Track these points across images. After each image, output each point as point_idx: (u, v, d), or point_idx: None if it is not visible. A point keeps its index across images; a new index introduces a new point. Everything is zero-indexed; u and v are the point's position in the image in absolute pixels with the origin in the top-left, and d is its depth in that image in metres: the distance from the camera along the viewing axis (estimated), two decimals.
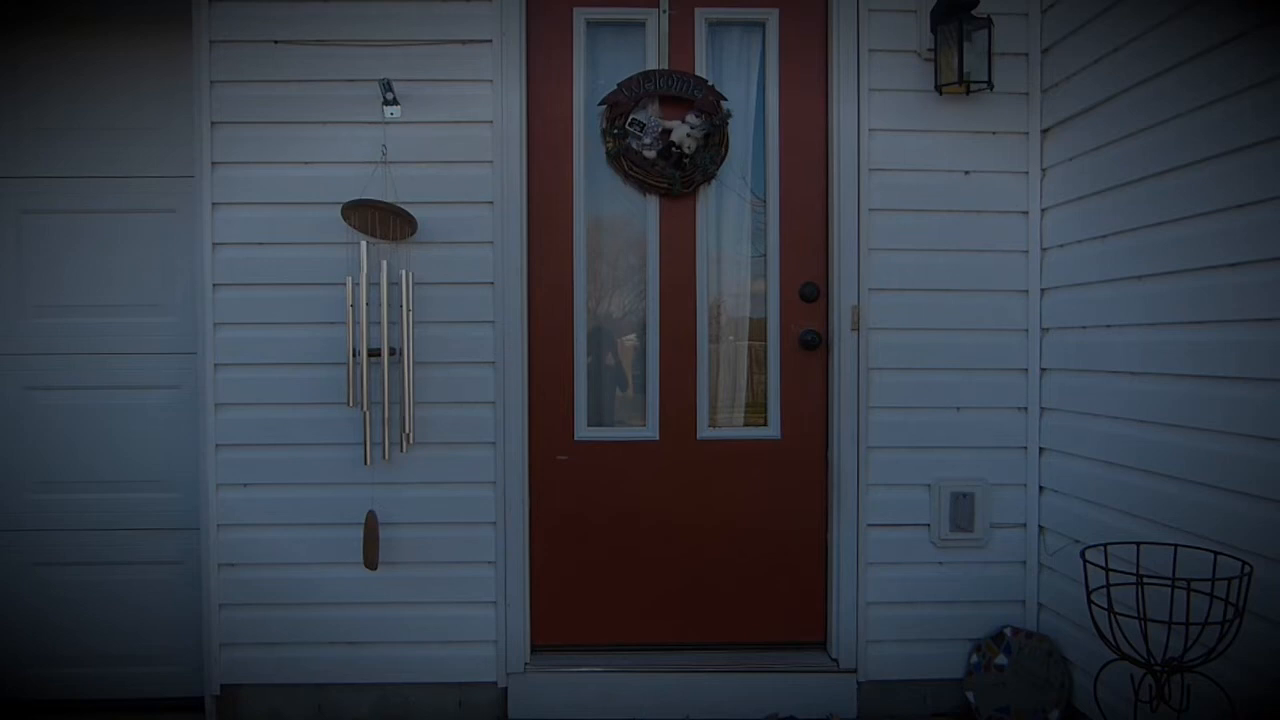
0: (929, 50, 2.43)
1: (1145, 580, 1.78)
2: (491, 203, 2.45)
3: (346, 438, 2.44)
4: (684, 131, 2.47)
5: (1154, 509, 2.03)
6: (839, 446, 2.50)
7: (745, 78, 2.58)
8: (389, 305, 2.35)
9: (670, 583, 2.58)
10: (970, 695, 2.44)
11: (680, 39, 2.54)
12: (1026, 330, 2.49)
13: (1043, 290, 2.48)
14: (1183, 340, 1.96)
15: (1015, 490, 2.51)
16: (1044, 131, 2.47)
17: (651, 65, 2.53)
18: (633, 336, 2.62)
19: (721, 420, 2.62)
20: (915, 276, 2.48)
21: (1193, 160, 1.91)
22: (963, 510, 2.48)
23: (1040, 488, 2.50)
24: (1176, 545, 1.90)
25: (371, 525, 2.40)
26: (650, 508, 2.57)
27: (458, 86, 2.44)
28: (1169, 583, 1.76)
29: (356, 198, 2.35)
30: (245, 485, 2.45)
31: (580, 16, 2.53)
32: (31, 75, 2.56)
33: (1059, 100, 2.40)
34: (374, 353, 2.35)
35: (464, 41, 2.44)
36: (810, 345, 2.56)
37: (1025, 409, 2.50)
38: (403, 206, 2.35)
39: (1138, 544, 1.97)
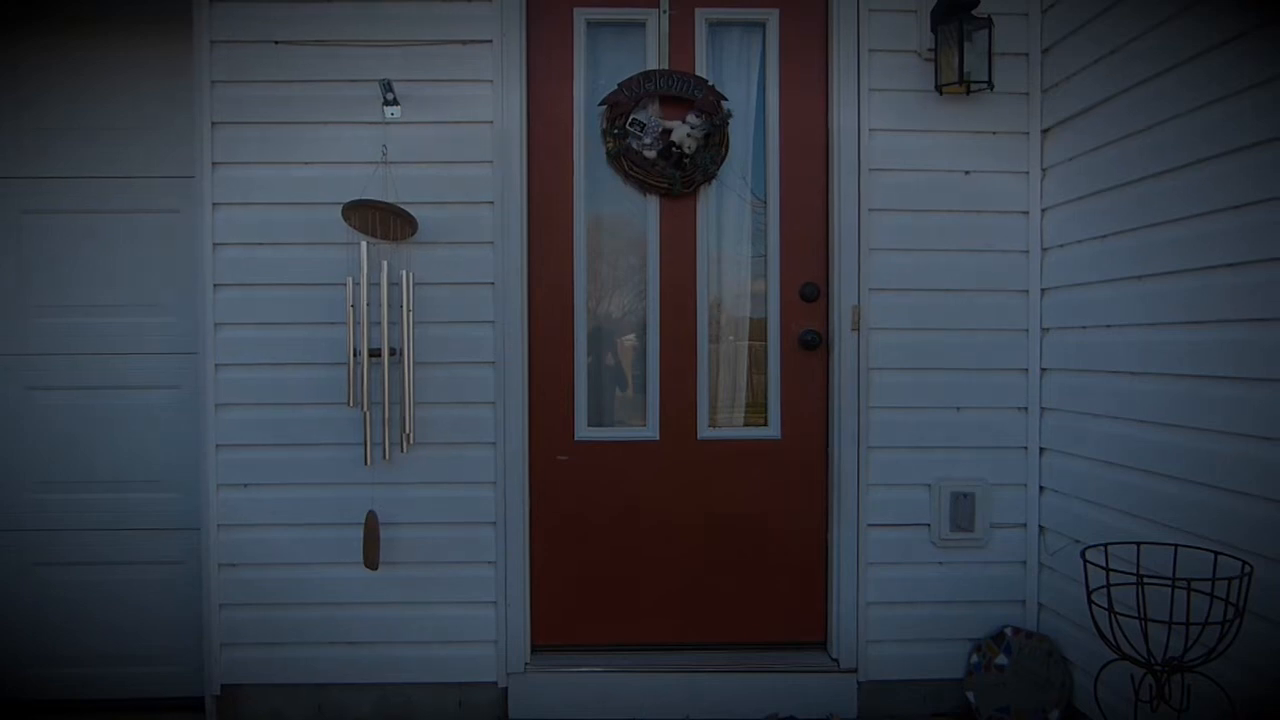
0: (929, 50, 2.43)
1: (1145, 580, 1.78)
2: (492, 203, 2.45)
3: (347, 438, 2.44)
4: (684, 131, 2.47)
5: (1154, 509, 2.04)
6: (839, 446, 2.50)
7: (745, 78, 2.58)
8: (389, 305, 2.35)
9: (670, 582, 2.58)
10: (970, 695, 2.44)
11: (680, 39, 2.54)
12: (1027, 330, 2.49)
13: (1043, 290, 2.48)
14: (1181, 340, 1.96)
15: (1016, 490, 2.51)
16: (1044, 131, 2.47)
17: (652, 65, 2.53)
18: (633, 336, 2.62)
19: (722, 420, 2.62)
20: (915, 276, 2.48)
21: (1191, 161, 1.92)
22: (963, 510, 2.48)
23: (1041, 488, 2.50)
24: (1177, 545, 1.90)
25: (372, 525, 2.40)
26: (650, 507, 2.57)
27: (458, 87, 2.45)
28: (1169, 583, 1.76)
29: (357, 198, 2.35)
30: (246, 485, 2.45)
31: (580, 17, 2.53)
32: (31, 75, 2.56)
33: (1059, 100, 2.40)
34: (374, 353, 2.35)
35: (464, 42, 2.45)
36: (810, 345, 2.56)
37: (1026, 409, 2.50)
38: (403, 207, 2.36)
39: (1138, 544, 1.97)
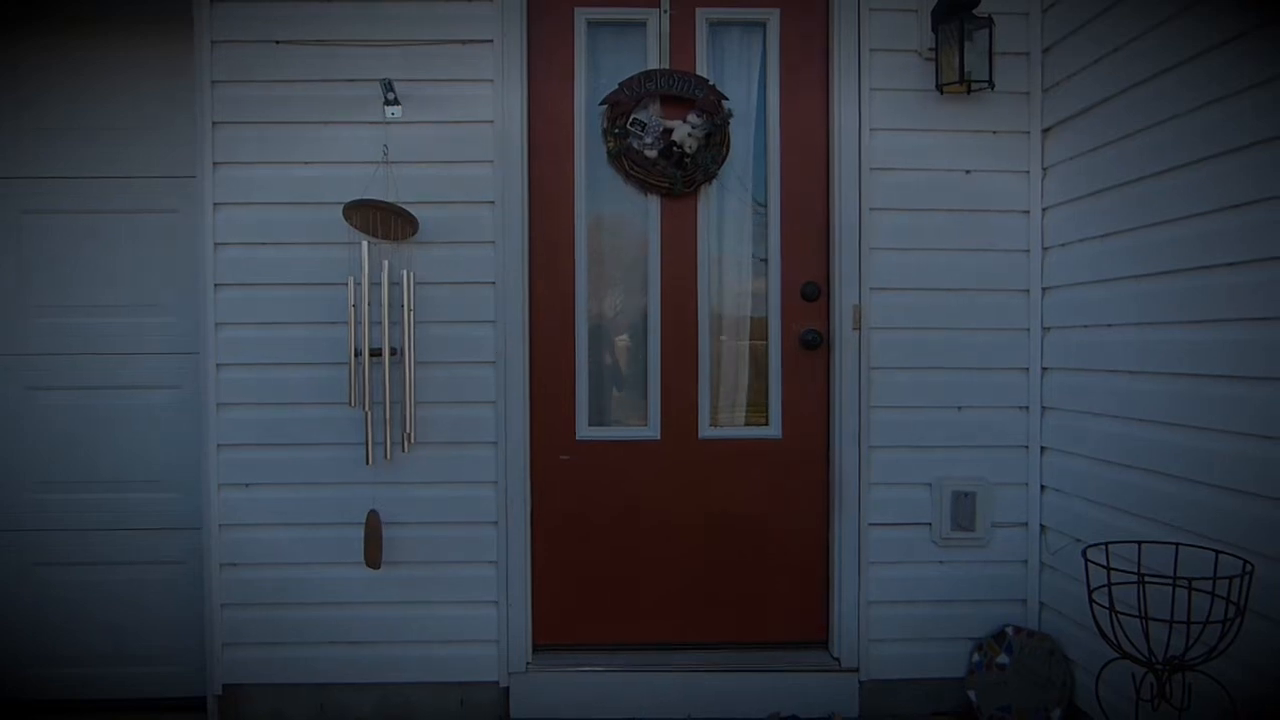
0: (930, 50, 2.44)
1: (1147, 579, 1.78)
2: (493, 202, 2.45)
3: (348, 437, 2.44)
4: (685, 131, 2.47)
5: (1154, 508, 2.04)
6: (840, 446, 2.50)
7: (746, 77, 2.58)
8: (390, 305, 2.35)
9: (671, 582, 2.58)
10: (972, 694, 2.44)
11: (681, 39, 2.54)
12: (1028, 329, 2.49)
13: (1044, 289, 2.48)
14: (1181, 339, 1.96)
15: (1017, 489, 2.51)
16: (1045, 131, 2.47)
17: (652, 65, 2.53)
18: (634, 335, 2.62)
19: (723, 419, 2.62)
20: (916, 276, 2.49)
21: (1191, 160, 1.92)
22: (964, 509, 2.48)
23: (1042, 487, 2.50)
24: (1178, 544, 1.91)
25: (374, 524, 2.40)
26: (651, 507, 2.57)
27: (459, 86, 2.45)
28: (1170, 582, 1.76)
29: (358, 198, 2.35)
30: (247, 485, 2.45)
31: (581, 16, 2.53)
32: (31, 75, 2.56)
33: (1060, 100, 2.40)
34: (375, 352, 2.35)
35: (465, 41, 2.45)
36: (811, 344, 2.56)
37: (1027, 408, 2.50)
38: (404, 206, 2.36)
39: (1139, 543, 1.97)
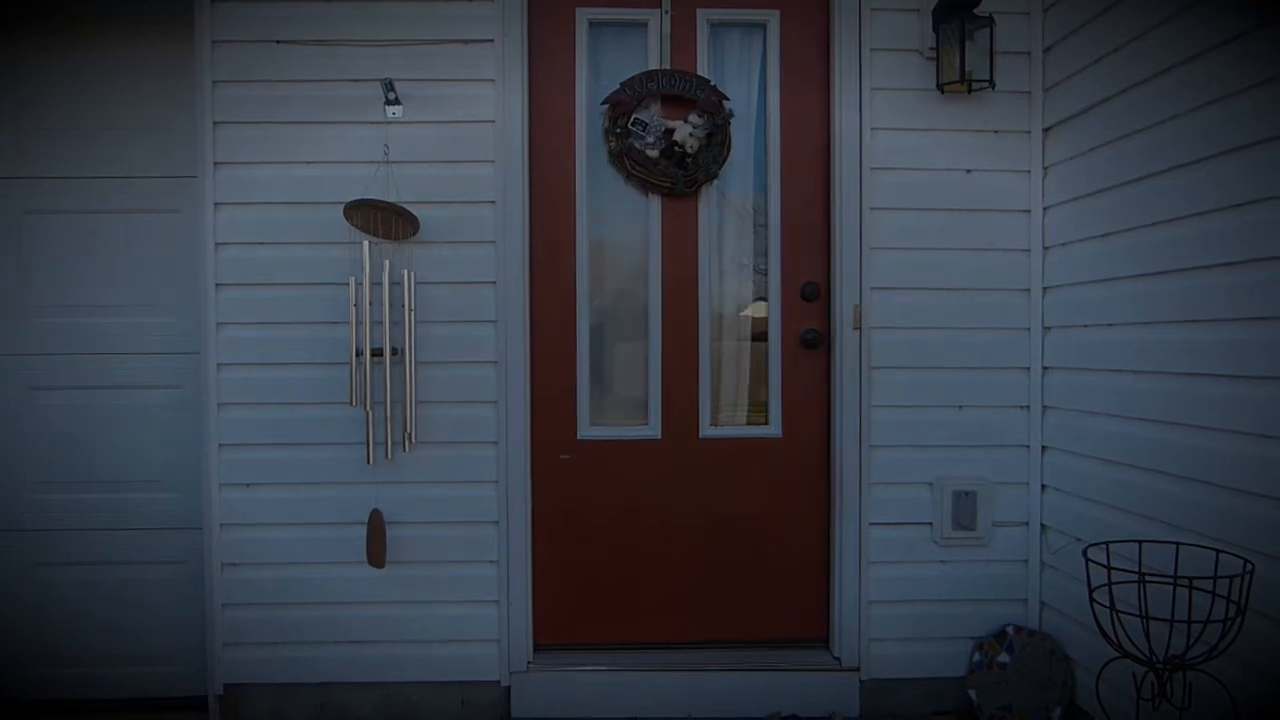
0: (931, 49, 2.44)
1: (1147, 578, 1.79)
2: (494, 202, 2.45)
3: (349, 437, 2.44)
4: (687, 131, 2.47)
5: (1155, 507, 2.04)
6: (841, 445, 2.50)
7: (747, 78, 2.58)
8: (391, 305, 2.35)
9: (672, 581, 2.58)
10: (973, 693, 2.44)
11: (682, 39, 2.54)
12: (1028, 329, 2.49)
13: (1044, 289, 2.48)
14: (1180, 339, 1.97)
15: (1017, 489, 2.51)
16: (1045, 130, 2.47)
17: (653, 65, 2.53)
18: (635, 335, 2.62)
19: (723, 419, 2.62)
20: (917, 275, 2.49)
21: (1190, 160, 1.92)
22: (965, 509, 2.49)
23: (1042, 486, 2.51)
24: (1178, 543, 1.91)
25: (377, 523, 2.40)
26: (652, 506, 2.58)
27: (460, 86, 2.45)
28: (1171, 581, 1.76)
29: (359, 198, 2.35)
30: (248, 485, 2.45)
31: (582, 17, 2.53)
32: (31, 75, 2.56)
33: (1060, 99, 2.40)
34: (376, 352, 2.35)
35: (466, 41, 2.45)
36: (812, 344, 2.56)
37: (1027, 407, 2.51)
38: (405, 206, 2.35)
39: (1139, 542, 1.97)
